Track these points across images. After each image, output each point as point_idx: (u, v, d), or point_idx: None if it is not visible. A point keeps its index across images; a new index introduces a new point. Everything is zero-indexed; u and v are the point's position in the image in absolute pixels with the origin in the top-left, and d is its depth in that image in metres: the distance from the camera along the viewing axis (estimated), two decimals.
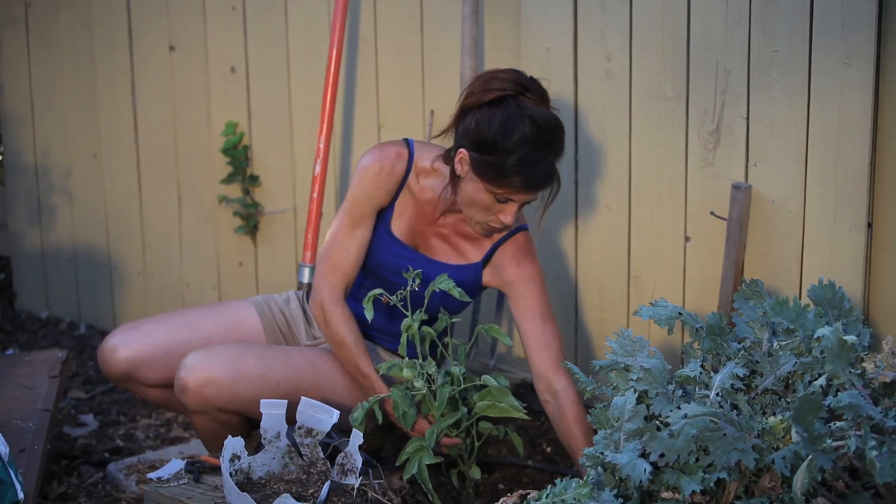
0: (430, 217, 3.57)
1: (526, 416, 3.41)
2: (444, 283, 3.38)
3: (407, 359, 3.45)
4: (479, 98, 3.34)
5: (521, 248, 3.55)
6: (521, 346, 4.16)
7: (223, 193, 4.77)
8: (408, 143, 3.56)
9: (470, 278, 3.55)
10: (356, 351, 3.51)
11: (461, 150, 3.37)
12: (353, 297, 3.64)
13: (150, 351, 3.65)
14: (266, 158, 4.67)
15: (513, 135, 3.29)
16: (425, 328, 3.44)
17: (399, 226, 3.55)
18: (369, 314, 3.38)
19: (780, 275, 3.56)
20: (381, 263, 3.55)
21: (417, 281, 3.39)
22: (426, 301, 3.43)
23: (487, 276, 3.58)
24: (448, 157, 3.45)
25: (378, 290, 3.40)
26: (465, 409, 3.44)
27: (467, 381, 3.43)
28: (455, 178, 3.43)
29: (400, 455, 3.40)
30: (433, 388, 3.41)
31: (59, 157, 5.23)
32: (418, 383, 3.39)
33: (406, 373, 3.40)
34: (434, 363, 3.42)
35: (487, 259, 3.56)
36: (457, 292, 3.37)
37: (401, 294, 3.41)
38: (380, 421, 3.44)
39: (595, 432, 3.35)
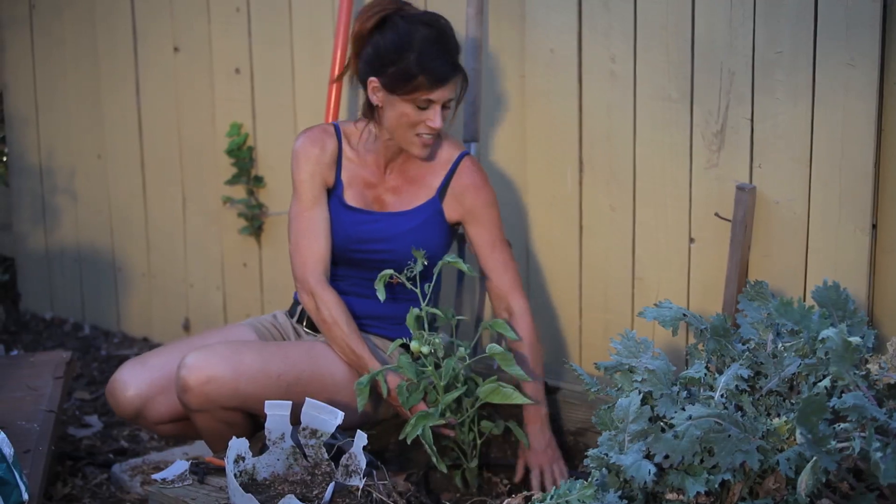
0: (377, 176, 3.66)
1: (528, 401, 3.43)
2: (451, 258, 3.47)
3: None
4: (365, 26, 3.50)
5: (474, 172, 3.67)
6: (544, 345, 4.17)
7: (227, 194, 4.77)
8: (332, 123, 3.70)
9: (433, 213, 3.64)
10: (348, 331, 3.55)
11: (370, 79, 3.50)
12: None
13: (159, 384, 3.65)
14: (270, 159, 4.67)
15: (408, 40, 3.45)
16: (434, 309, 3.47)
17: (351, 195, 3.65)
18: (381, 294, 3.44)
19: (785, 276, 3.56)
20: (348, 237, 3.61)
21: (424, 262, 3.44)
22: (435, 277, 3.52)
23: (449, 210, 3.66)
24: (366, 106, 3.57)
25: (389, 272, 3.44)
26: (466, 388, 3.46)
27: (472, 359, 3.48)
28: (374, 112, 3.56)
29: (404, 428, 3.42)
30: (441, 370, 3.43)
31: (64, 157, 5.23)
32: (425, 349, 3.41)
33: (413, 344, 3.43)
34: (439, 335, 3.45)
35: (443, 191, 3.64)
36: (465, 267, 3.47)
37: (409, 269, 3.45)
38: (384, 394, 3.46)
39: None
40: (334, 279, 3.68)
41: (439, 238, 3.65)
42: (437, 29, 3.47)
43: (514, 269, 3.70)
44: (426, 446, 3.40)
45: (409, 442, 3.42)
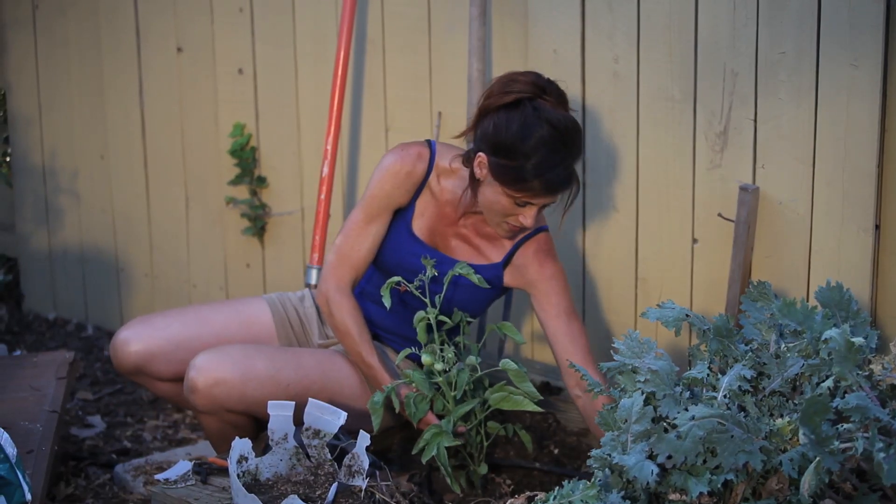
0: (451, 218, 3.58)
1: (539, 409, 3.42)
2: (463, 269, 3.40)
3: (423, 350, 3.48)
4: (498, 100, 3.36)
5: (542, 249, 3.56)
6: (548, 347, 4.17)
7: (230, 195, 4.78)
8: (430, 143, 3.58)
9: (491, 278, 3.56)
10: (359, 340, 3.53)
11: (480, 153, 3.39)
12: (360, 292, 3.66)
13: (161, 345, 3.66)
14: (273, 160, 4.67)
15: (530, 138, 3.30)
16: (442, 317, 3.45)
17: (419, 225, 3.57)
18: (387, 301, 3.41)
19: (788, 276, 3.56)
20: (401, 263, 3.56)
21: (433, 272, 3.41)
22: (444, 286, 3.46)
23: (509, 277, 3.58)
24: (467, 158, 3.46)
25: (396, 279, 3.42)
26: (478, 401, 3.46)
27: (484, 369, 3.46)
28: (474, 181, 3.45)
29: (417, 443, 3.41)
30: (450, 376, 3.42)
31: (67, 158, 5.23)
32: (438, 365, 3.41)
33: (426, 358, 3.42)
34: (452, 348, 3.43)
35: (508, 259, 3.57)
36: (475, 278, 3.41)
37: (420, 279, 3.43)
38: (396, 409, 3.45)
39: None
40: (372, 285, 3.65)
41: (486, 300, 3.60)
42: (563, 134, 3.31)
43: (584, 341, 3.54)
44: (441, 467, 3.40)
45: (424, 461, 3.41)
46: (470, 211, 3.55)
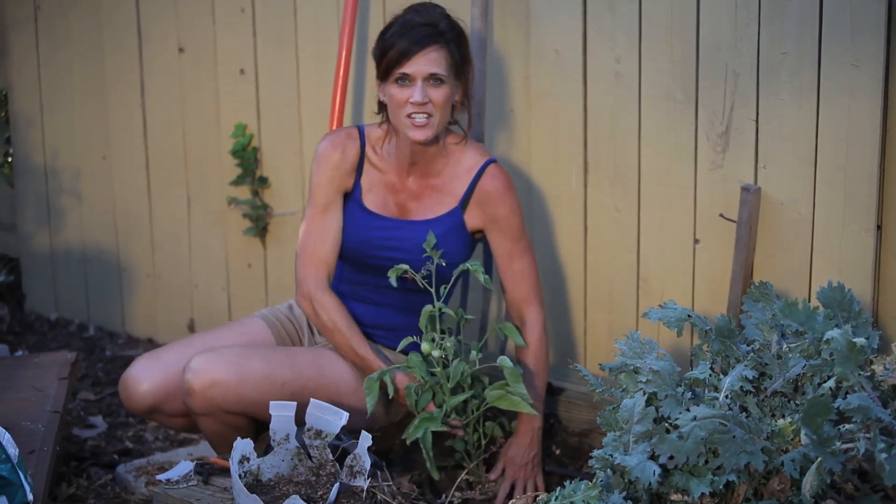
0: (399, 183, 3.62)
1: (534, 412, 3.44)
2: (473, 266, 3.45)
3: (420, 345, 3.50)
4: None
5: (499, 180, 3.61)
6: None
7: (232, 195, 4.78)
8: (359, 126, 3.67)
9: (454, 224, 3.60)
10: (349, 334, 3.54)
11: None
12: (336, 291, 3.66)
13: (173, 381, 3.62)
14: (275, 160, 4.67)
15: (392, 22, 3.49)
16: (446, 309, 3.47)
17: (371, 200, 3.62)
18: (394, 282, 3.44)
19: (789, 277, 3.56)
20: (365, 241, 3.59)
21: (441, 261, 3.44)
22: (452, 279, 3.50)
23: (471, 219, 3.62)
24: (379, 106, 3.59)
25: (403, 267, 3.43)
26: (472, 392, 3.47)
27: (482, 365, 3.50)
28: (383, 107, 3.56)
29: (406, 429, 3.42)
30: (448, 366, 3.44)
31: (68, 158, 5.24)
32: (436, 352, 3.42)
33: (425, 346, 3.44)
34: (452, 339, 3.45)
35: (466, 200, 3.60)
36: (482, 278, 3.45)
37: (427, 269, 3.45)
38: (391, 394, 3.46)
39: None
40: (347, 283, 3.67)
41: (459, 249, 3.61)
42: (422, 8, 3.50)
43: (532, 278, 3.65)
44: (423, 451, 3.41)
45: (408, 443, 3.43)
46: (412, 163, 3.59)
